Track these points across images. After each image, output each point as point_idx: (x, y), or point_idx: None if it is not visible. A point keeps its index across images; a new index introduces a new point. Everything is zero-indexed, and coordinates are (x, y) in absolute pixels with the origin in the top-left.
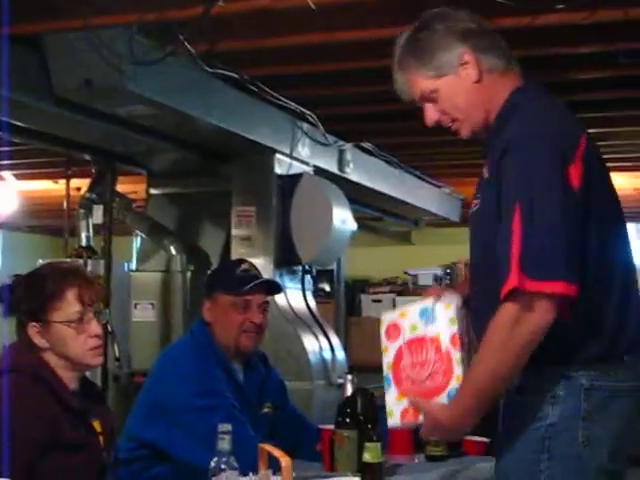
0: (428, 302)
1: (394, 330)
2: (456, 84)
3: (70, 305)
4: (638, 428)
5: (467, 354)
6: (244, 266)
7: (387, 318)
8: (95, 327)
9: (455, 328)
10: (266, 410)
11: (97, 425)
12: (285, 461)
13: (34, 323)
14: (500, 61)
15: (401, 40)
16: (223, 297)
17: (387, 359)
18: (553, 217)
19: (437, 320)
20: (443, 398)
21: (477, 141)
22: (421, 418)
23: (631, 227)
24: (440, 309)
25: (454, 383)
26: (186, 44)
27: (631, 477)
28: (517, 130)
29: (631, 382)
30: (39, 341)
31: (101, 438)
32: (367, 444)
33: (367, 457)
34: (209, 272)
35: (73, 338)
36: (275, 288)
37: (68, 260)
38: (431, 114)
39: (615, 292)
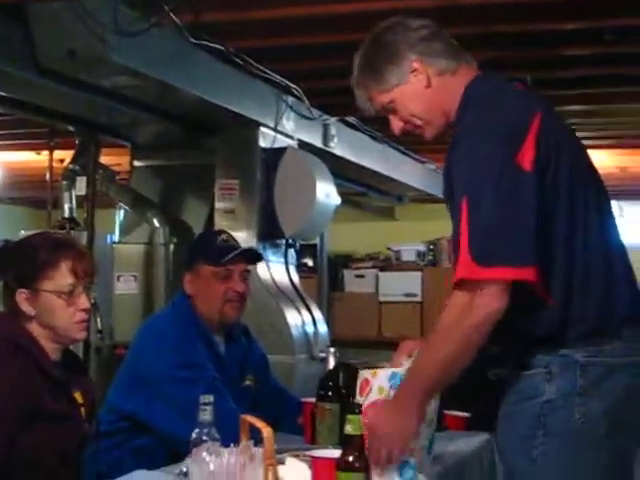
0: (399, 369)
1: (366, 386)
2: (409, 92)
3: (63, 276)
4: (636, 403)
5: (425, 427)
6: (223, 236)
7: (362, 374)
8: (84, 301)
9: None
10: (248, 383)
11: (78, 396)
12: (267, 432)
13: (23, 290)
14: (450, 62)
15: (356, 59)
16: (204, 268)
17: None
18: (498, 204)
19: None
20: (393, 470)
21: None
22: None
23: (615, 205)
24: (400, 374)
25: (405, 456)
26: (171, 15)
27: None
28: (465, 122)
29: (628, 357)
30: (26, 308)
31: (82, 409)
32: (349, 416)
33: (349, 429)
34: (189, 244)
35: (62, 309)
36: (256, 257)
37: (60, 232)
38: (396, 124)
39: (598, 270)
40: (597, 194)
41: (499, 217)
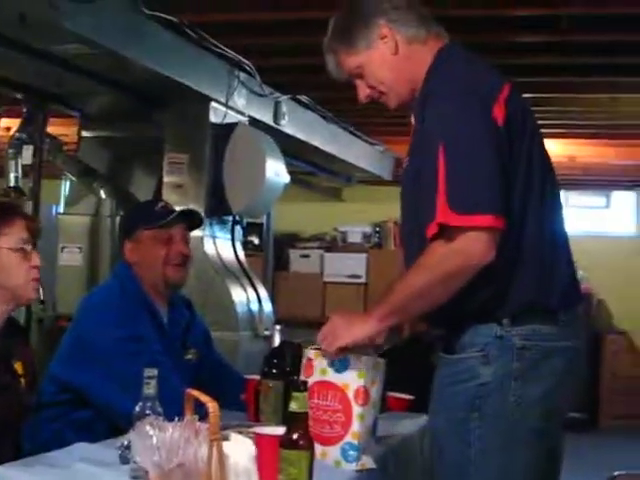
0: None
1: (309, 367)
2: (376, 58)
3: (18, 232)
4: (570, 388)
5: (369, 409)
6: (161, 204)
7: (306, 353)
8: (36, 258)
9: (361, 382)
10: (190, 357)
11: (19, 367)
12: (212, 407)
13: None
14: (420, 31)
15: (329, 26)
16: (144, 233)
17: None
18: (477, 151)
19: (347, 371)
20: (337, 449)
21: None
22: (318, 456)
23: (562, 194)
24: (352, 360)
25: (349, 437)
26: None
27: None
28: (438, 80)
29: (564, 341)
30: None
31: (23, 380)
32: (294, 393)
33: (294, 406)
34: (125, 214)
35: (17, 266)
36: (196, 219)
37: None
38: (362, 90)
39: (543, 249)
40: (551, 179)
41: (479, 165)
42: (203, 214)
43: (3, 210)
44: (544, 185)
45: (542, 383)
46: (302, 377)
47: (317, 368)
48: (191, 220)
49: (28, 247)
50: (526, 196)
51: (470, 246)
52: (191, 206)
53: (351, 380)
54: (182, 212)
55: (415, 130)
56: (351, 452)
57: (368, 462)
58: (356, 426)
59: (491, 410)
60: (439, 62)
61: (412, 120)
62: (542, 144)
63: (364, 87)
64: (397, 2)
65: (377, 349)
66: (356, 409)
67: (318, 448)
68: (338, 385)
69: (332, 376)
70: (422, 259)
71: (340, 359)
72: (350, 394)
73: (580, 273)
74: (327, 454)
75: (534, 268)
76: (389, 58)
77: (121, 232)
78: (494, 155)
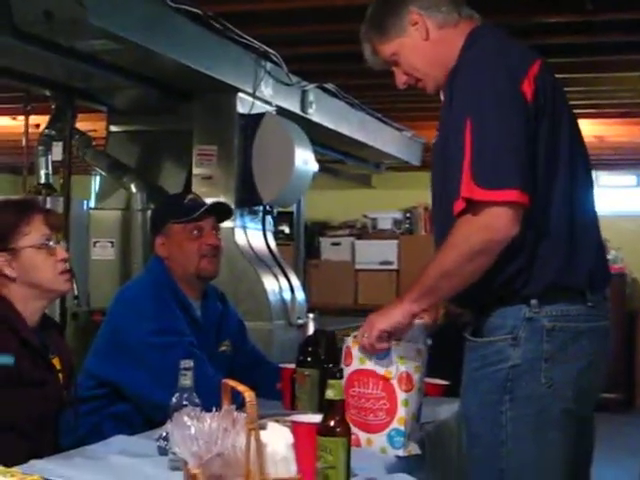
0: None
1: (349, 355)
2: (409, 44)
3: (38, 229)
4: (601, 369)
5: (413, 394)
6: (190, 196)
7: (346, 341)
8: (62, 251)
9: (403, 367)
10: (224, 348)
11: (56, 362)
12: (249, 396)
13: (1, 253)
14: (450, 15)
15: (366, 15)
16: (175, 227)
17: (342, 381)
18: (503, 126)
19: (387, 357)
20: (383, 437)
21: None
22: (363, 444)
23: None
24: (393, 346)
25: (396, 424)
26: None
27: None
28: (467, 55)
29: (592, 322)
30: (9, 271)
31: (60, 375)
32: (330, 381)
33: (330, 394)
34: (154, 209)
35: (43, 262)
36: (225, 210)
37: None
38: (399, 77)
39: (571, 228)
40: (582, 158)
41: (506, 140)
42: (233, 205)
43: (20, 208)
44: (574, 164)
45: (572, 364)
46: (342, 365)
47: (356, 356)
48: (220, 212)
49: (51, 242)
50: (553, 174)
51: (494, 221)
52: (221, 197)
53: (393, 366)
54: (211, 205)
55: (444, 105)
56: (397, 438)
57: (414, 448)
58: (402, 412)
59: (523, 392)
60: (471, 42)
61: (441, 96)
62: (574, 123)
63: (401, 74)
64: None
65: (430, 329)
66: (401, 395)
67: (363, 436)
68: (379, 373)
69: (371, 364)
70: (449, 237)
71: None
72: (394, 380)
73: (613, 253)
74: (373, 441)
75: (560, 247)
76: (421, 44)
77: (151, 226)
78: (521, 130)
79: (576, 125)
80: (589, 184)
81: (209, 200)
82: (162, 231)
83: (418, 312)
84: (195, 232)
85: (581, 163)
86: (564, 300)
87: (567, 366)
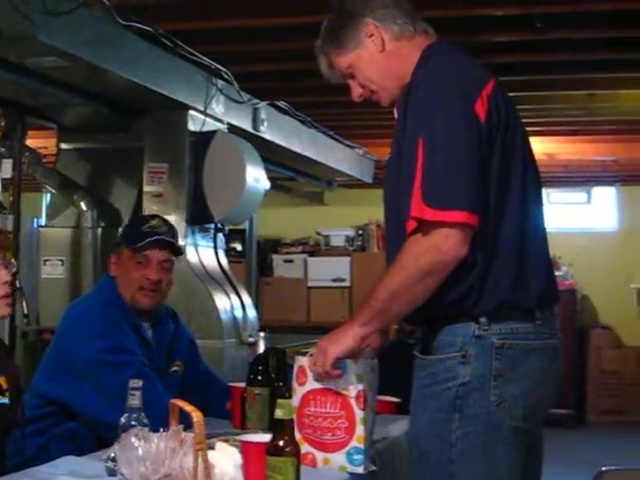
0: None
1: (302, 374)
2: (365, 56)
3: None
4: (550, 386)
5: (369, 412)
6: (153, 222)
7: (299, 360)
8: (4, 274)
9: (361, 386)
10: (175, 369)
11: (3, 381)
12: (197, 416)
13: None
14: (407, 27)
15: (322, 26)
16: (125, 251)
17: (294, 402)
18: (455, 146)
19: (346, 375)
20: (342, 455)
21: None
22: (319, 464)
23: (544, 192)
24: (349, 364)
25: (355, 442)
26: None
27: (549, 436)
28: (422, 73)
29: (542, 340)
30: None
31: (7, 394)
32: (279, 400)
33: (279, 413)
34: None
35: None
36: (171, 247)
37: None
38: (355, 90)
39: (520, 246)
40: (533, 176)
41: (456, 160)
42: (184, 222)
43: None
44: (525, 182)
45: (522, 382)
46: (294, 385)
47: (312, 375)
48: (166, 245)
49: None
50: (505, 193)
51: (442, 242)
52: (172, 215)
53: (351, 385)
54: (154, 239)
55: (397, 122)
56: (357, 456)
57: (371, 466)
58: (360, 430)
59: (472, 410)
60: (425, 58)
61: (395, 113)
62: (526, 141)
63: (357, 87)
64: (383, 0)
65: (375, 353)
66: (359, 413)
67: (319, 455)
68: (338, 391)
69: (330, 382)
70: (398, 258)
71: (339, 364)
72: (351, 399)
73: (564, 269)
74: (330, 460)
75: (511, 266)
76: (377, 56)
77: (115, 242)
78: (473, 151)
79: (528, 143)
80: (539, 201)
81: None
82: (116, 250)
83: (369, 335)
84: (140, 262)
85: (532, 181)
86: (513, 318)
87: (516, 384)
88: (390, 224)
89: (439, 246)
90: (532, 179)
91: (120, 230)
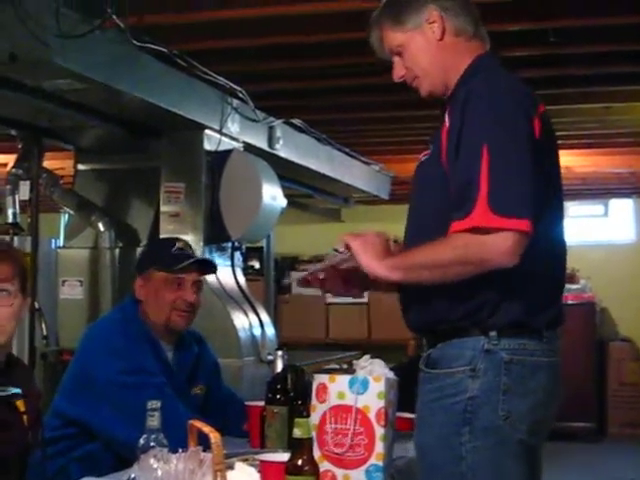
0: (359, 374)
1: (323, 392)
2: (420, 40)
3: None
4: (554, 403)
5: (389, 429)
6: (179, 244)
7: (318, 377)
8: None
9: (382, 403)
10: (197, 392)
11: (20, 404)
12: (215, 437)
13: None
14: (468, 27)
15: (382, 1)
16: (156, 274)
17: (313, 419)
18: (519, 157)
19: (367, 392)
20: (361, 472)
21: (435, 100)
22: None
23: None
24: (370, 381)
25: (374, 459)
26: (114, 17)
27: (549, 450)
28: (480, 82)
29: (549, 358)
30: None
31: (25, 417)
32: (297, 419)
33: (297, 432)
34: (143, 249)
35: None
36: (210, 267)
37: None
38: (398, 69)
39: (544, 261)
40: (559, 193)
41: (523, 171)
42: (202, 242)
43: None
44: (554, 200)
45: (529, 397)
46: (314, 402)
47: (333, 392)
48: (205, 267)
49: None
50: (546, 210)
51: (500, 243)
52: (189, 235)
53: (372, 401)
54: (195, 260)
55: (448, 127)
56: (376, 474)
57: None
58: (380, 447)
59: (481, 424)
60: (480, 65)
61: (446, 119)
62: (558, 160)
63: (401, 66)
64: None
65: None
66: (379, 430)
67: (339, 472)
68: (358, 407)
69: (351, 399)
70: (451, 238)
71: (360, 380)
72: (371, 416)
73: (582, 282)
74: (350, 477)
75: (533, 286)
76: (434, 43)
77: (136, 265)
78: (533, 164)
79: (559, 161)
80: (562, 217)
81: (181, 237)
82: (143, 273)
83: (382, 278)
84: (175, 284)
85: (558, 198)
86: (522, 334)
87: (524, 399)
88: (418, 218)
89: (496, 246)
90: (559, 196)
91: (140, 252)
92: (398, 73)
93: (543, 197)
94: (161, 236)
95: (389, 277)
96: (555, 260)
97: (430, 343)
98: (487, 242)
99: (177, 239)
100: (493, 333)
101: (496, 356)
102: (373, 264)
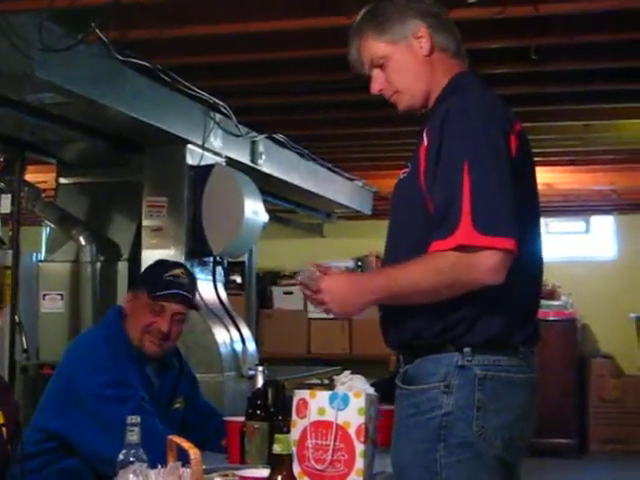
0: (339, 389)
1: (303, 407)
2: (406, 54)
3: None
4: (531, 420)
5: (369, 445)
6: (175, 271)
7: (299, 393)
8: None
9: (362, 419)
10: (177, 406)
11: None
12: (194, 453)
13: None
14: (452, 44)
15: (363, 10)
16: (143, 295)
17: (294, 435)
18: (501, 173)
19: (347, 408)
20: None
21: (412, 116)
22: None
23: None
24: (351, 397)
25: (354, 475)
26: (97, 32)
27: (529, 466)
28: (458, 99)
29: (524, 374)
30: None
31: (4, 430)
32: (277, 435)
33: (277, 448)
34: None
35: None
36: (188, 302)
37: None
38: (378, 81)
39: (522, 279)
40: (537, 210)
41: (504, 188)
42: (183, 256)
43: None
44: (531, 217)
45: (504, 414)
46: (294, 417)
47: (314, 408)
48: (183, 300)
49: None
50: (524, 228)
51: (486, 263)
52: (171, 249)
53: (352, 418)
54: (173, 292)
55: (426, 145)
56: None
57: None
58: (360, 463)
59: (456, 440)
60: (459, 83)
61: (424, 136)
62: (535, 177)
63: (381, 79)
64: (437, 11)
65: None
66: (359, 446)
67: None
68: (338, 423)
69: (331, 414)
70: (433, 259)
71: (340, 396)
72: (352, 432)
73: (563, 298)
74: None
75: (509, 305)
76: (420, 58)
77: (133, 279)
78: (511, 182)
79: (536, 178)
80: (539, 234)
81: (163, 251)
82: (134, 290)
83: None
84: (154, 310)
85: (536, 215)
86: (497, 350)
87: (498, 415)
88: (398, 237)
89: (483, 266)
90: (536, 213)
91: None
92: (377, 87)
93: (522, 215)
94: (167, 259)
95: (374, 304)
96: (532, 277)
97: (407, 359)
98: (473, 263)
99: (177, 265)
100: (467, 349)
101: (470, 372)
102: (348, 310)
